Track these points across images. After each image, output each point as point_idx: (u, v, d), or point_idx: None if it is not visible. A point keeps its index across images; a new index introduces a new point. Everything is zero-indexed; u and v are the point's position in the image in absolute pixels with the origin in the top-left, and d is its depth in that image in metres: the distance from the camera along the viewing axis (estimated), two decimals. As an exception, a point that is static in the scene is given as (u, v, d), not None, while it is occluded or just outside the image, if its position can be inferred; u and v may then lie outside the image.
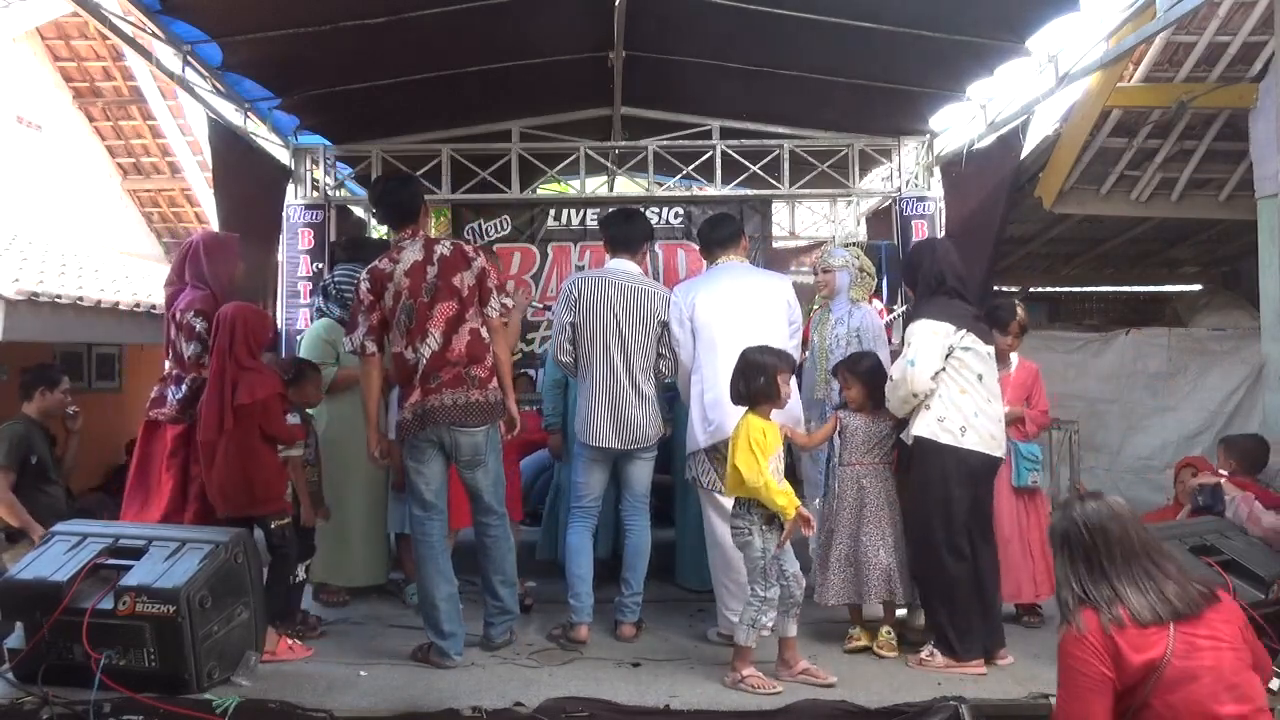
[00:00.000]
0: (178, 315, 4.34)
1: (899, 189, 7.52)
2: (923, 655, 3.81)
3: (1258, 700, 2.31)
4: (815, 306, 4.88)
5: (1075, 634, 2.34)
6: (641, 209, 6.59)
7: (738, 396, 3.76)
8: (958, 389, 3.81)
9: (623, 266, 4.42)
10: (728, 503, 4.14)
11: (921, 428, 3.82)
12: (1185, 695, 2.25)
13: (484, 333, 3.90)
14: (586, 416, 4.26)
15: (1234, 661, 2.30)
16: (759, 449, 3.61)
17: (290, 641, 3.96)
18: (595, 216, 7.71)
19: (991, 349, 3.96)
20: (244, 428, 3.87)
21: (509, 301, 4.04)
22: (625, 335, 4.26)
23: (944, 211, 7.28)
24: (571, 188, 8.58)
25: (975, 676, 3.67)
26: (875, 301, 6.47)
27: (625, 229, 4.51)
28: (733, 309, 4.21)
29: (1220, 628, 2.32)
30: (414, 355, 3.84)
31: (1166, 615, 2.29)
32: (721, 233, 4.47)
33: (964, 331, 3.83)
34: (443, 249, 3.91)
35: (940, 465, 3.78)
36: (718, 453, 4.15)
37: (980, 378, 3.85)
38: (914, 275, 4.09)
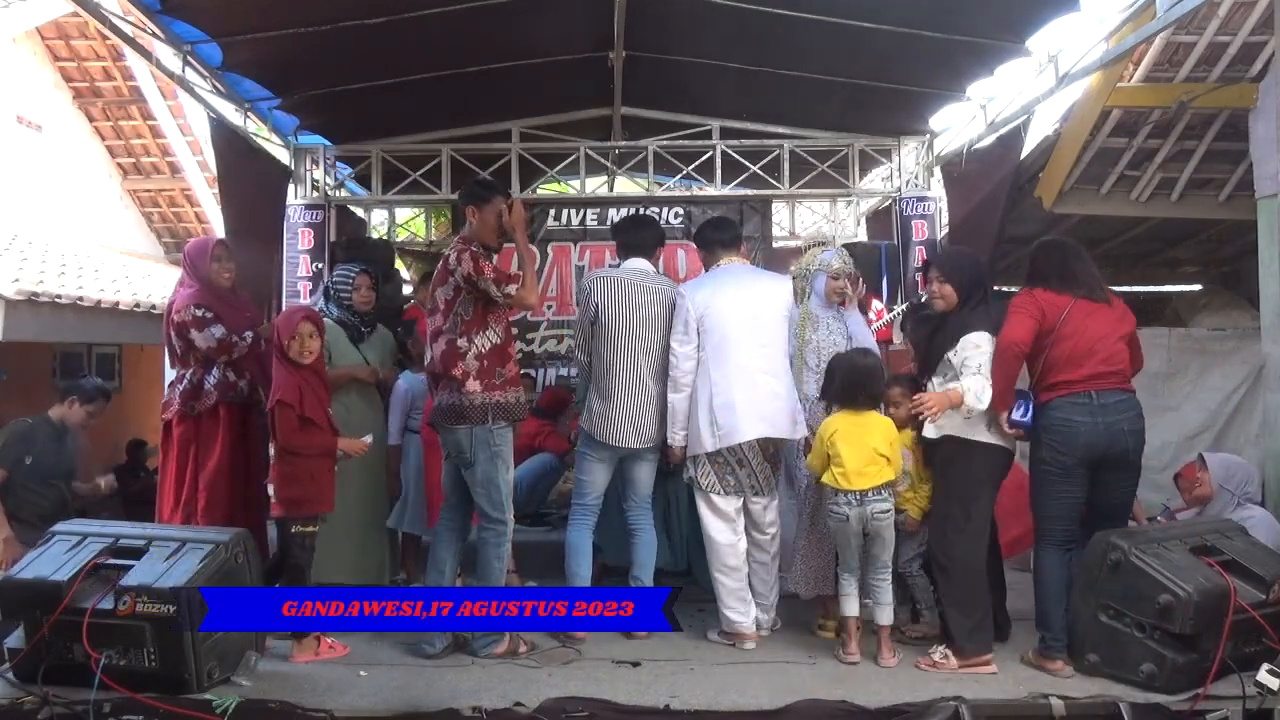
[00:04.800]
0: (173, 315, 4.42)
1: (899, 189, 7.52)
2: (935, 658, 3.79)
3: (1116, 365, 3.84)
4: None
5: (1025, 292, 3.94)
6: (652, 212, 6.61)
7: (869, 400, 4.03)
8: None
9: (638, 266, 4.41)
10: (725, 504, 4.17)
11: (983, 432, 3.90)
12: (1075, 341, 3.80)
13: (460, 343, 3.91)
14: (604, 416, 4.24)
15: (1105, 331, 3.87)
16: None
17: (330, 640, 3.97)
18: (595, 216, 7.72)
19: None
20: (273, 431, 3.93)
21: (511, 290, 3.94)
22: (642, 336, 4.26)
23: (944, 212, 7.28)
24: (571, 188, 8.58)
25: (978, 675, 3.67)
26: (875, 301, 6.49)
27: (638, 234, 4.52)
28: (741, 313, 4.21)
29: (1106, 312, 3.94)
30: (425, 360, 4.11)
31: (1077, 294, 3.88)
32: (726, 235, 4.51)
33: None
34: (440, 265, 4.01)
35: (990, 464, 3.93)
36: (721, 456, 4.16)
37: None
38: (972, 283, 4.05)
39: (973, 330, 3.88)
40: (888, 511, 3.93)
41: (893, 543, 3.97)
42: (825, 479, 3.97)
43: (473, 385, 3.88)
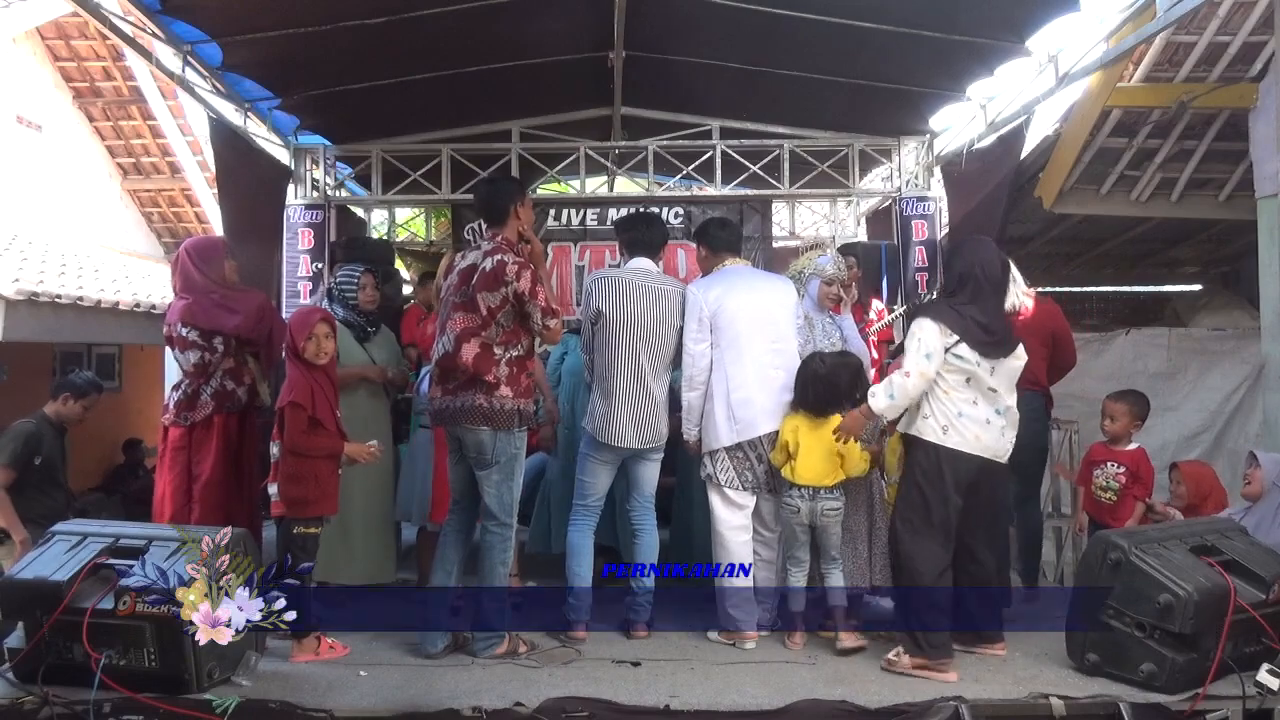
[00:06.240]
0: (169, 330, 4.44)
1: (899, 189, 7.52)
2: (890, 655, 3.77)
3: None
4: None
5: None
6: (656, 210, 6.62)
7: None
8: (942, 390, 3.75)
9: (642, 266, 4.41)
10: (741, 499, 4.21)
11: (907, 424, 3.85)
12: None
13: (496, 349, 3.91)
14: (607, 417, 4.23)
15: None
16: None
17: (330, 641, 3.97)
18: (595, 216, 7.72)
19: (994, 363, 3.79)
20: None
21: (551, 323, 3.95)
22: (645, 336, 4.25)
23: (944, 212, 7.29)
24: (571, 188, 8.58)
25: (978, 675, 3.65)
26: (876, 301, 6.48)
27: (641, 233, 4.50)
28: (754, 311, 4.25)
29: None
30: (438, 350, 4.04)
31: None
32: (733, 236, 4.61)
33: (956, 337, 3.73)
34: (489, 263, 3.92)
35: (924, 462, 3.78)
36: (740, 451, 4.18)
37: (968, 380, 3.75)
38: (961, 274, 3.90)
39: (922, 315, 3.83)
40: (837, 509, 4.06)
41: (839, 538, 4.09)
42: (784, 473, 4.11)
43: (505, 390, 3.89)
